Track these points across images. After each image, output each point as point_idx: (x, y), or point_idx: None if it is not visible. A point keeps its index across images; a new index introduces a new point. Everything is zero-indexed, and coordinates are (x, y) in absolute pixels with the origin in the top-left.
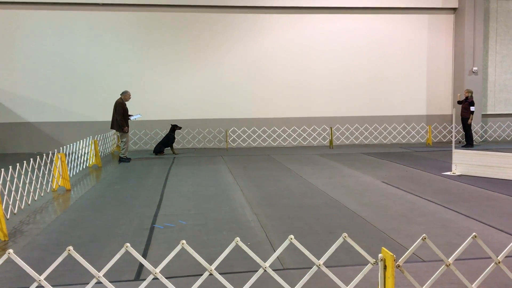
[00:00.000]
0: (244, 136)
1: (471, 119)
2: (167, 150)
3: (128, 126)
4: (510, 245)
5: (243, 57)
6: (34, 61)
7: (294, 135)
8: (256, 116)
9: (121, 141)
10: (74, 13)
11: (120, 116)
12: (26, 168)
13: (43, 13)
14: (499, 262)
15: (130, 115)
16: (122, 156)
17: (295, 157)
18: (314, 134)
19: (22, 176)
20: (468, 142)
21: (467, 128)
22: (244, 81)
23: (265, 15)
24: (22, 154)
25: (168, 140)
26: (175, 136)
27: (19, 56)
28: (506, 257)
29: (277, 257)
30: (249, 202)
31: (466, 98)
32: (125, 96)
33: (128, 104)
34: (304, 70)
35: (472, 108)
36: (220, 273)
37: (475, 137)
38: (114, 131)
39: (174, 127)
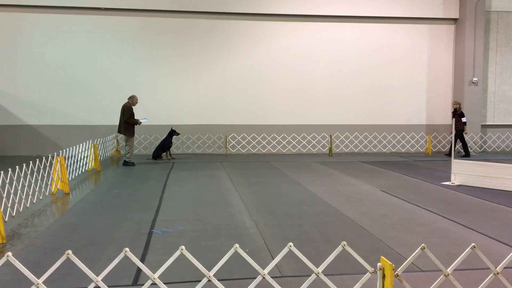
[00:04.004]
0: (244, 142)
1: (465, 130)
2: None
3: (134, 127)
4: (509, 256)
5: (244, 63)
6: (36, 64)
7: (294, 142)
8: (256, 122)
9: (126, 145)
10: (76, 17)
11: (131, 119)
12: (25, 170)
13: (45, 16)
14: (497, 273)
15: (137, 119)
16: (127, 160)
17: (294, 164)
18: (314, 142)
19: (21, 178)
20: (465, 152)
21: (462, 139)
22: (244, 87)
23: (266, 22)
24: (21, 157)
25: (164, 145)
26: (173, 141)
27: (21, 59)
28: (504, 268)
29: (276, 264)
30: (247, 208)
31: (455, 110)
32: (133, 100)
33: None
34: (305, 77)
35: (463, 119)
36: (218, 280)
37: (474, 147)
38: (115, 135)
39: (172, 133)
